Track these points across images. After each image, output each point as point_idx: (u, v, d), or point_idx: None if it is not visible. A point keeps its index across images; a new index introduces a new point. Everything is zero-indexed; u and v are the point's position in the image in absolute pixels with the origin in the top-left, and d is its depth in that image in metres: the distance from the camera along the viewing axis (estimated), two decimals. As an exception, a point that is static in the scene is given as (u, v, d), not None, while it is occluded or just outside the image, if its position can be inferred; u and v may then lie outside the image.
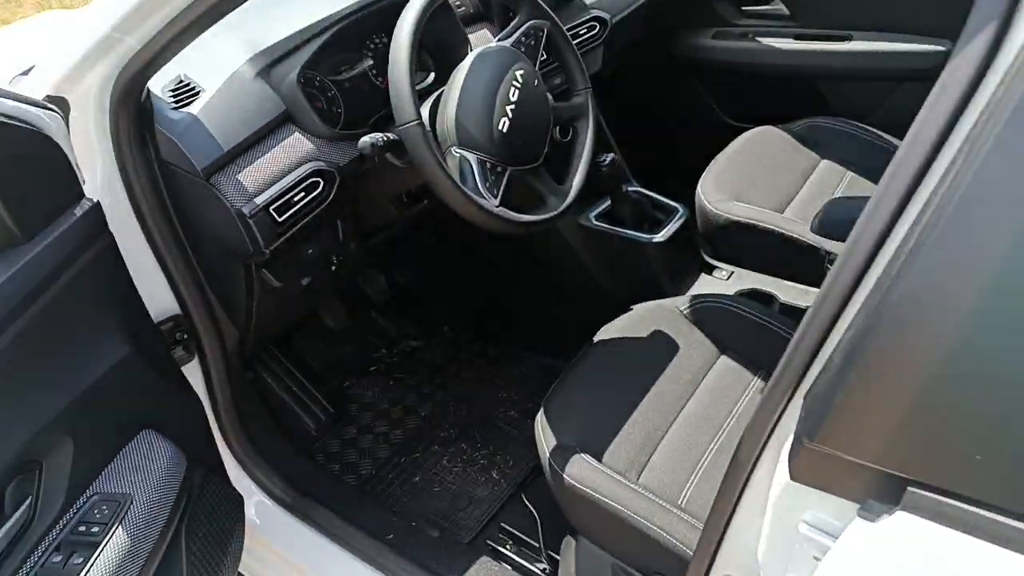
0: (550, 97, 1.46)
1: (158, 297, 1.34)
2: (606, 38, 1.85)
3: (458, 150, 1.24)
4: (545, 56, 1.52)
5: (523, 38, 1.36)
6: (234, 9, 1.05)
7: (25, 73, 1.35)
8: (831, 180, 1.85)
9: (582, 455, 1.27)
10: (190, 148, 1.18)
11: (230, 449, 1.52)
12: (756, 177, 1.83)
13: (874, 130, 1.96)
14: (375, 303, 2.10)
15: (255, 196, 1.22)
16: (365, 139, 1.21)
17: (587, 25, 1.79)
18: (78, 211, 1.06)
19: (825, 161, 1.90)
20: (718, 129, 2.35)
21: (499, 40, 1.35)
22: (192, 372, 1.44)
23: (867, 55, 2.05)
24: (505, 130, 1.26)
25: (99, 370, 1.06)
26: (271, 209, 1.23)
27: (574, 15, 1.77)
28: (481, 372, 2.02)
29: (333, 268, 1.54)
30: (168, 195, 1.28)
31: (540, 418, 1.36)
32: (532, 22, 1.37)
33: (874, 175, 1.87)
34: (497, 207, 1.24)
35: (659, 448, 1.31)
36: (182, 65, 1.28)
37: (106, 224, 1.10)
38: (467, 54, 1.51)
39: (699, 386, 1.40)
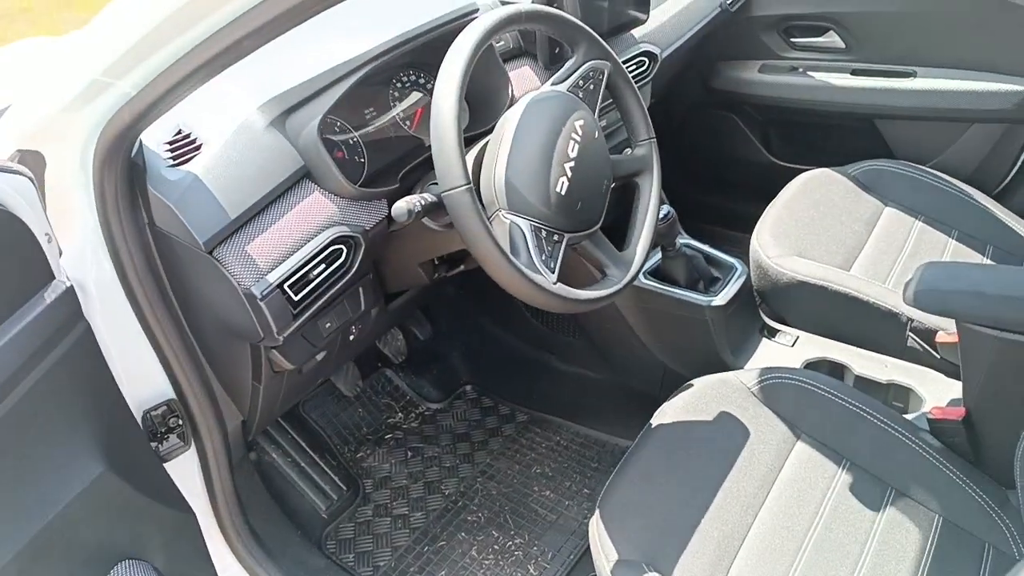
0: None
1: (149, 379, 1.15)
2: (655, 74, 1.66)
3: (508, 215, 1.05)
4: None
5: (581, 82, 1.17)
6: (250, 53, 0.85)
7: (-1, 113, 1.15)
8: (899, 231, 1.67)
9: (651, 574, 1.07)
10: (190, 216, 0.98)
11: (231, 550, 1.31)
12: (817, 227, 1.65)
13: (941, 174, 1.78)
14: (392, 363, 1.90)
15: (267, 272, 1.02)
16: (400, 204, 1.02)
17: (636, 61, 1.60)
18: (46, 298, 0.85)
19: (889, 208, 1.72)
20: (765, 171, 2.17)
21: (553, 84, 1.16)
22: (187, 462, 1.24)
23: (933, 94, 1.88)
24: (564, 192, 1.07)
25: (64, 498, 0.85)
26: (287, 286, 1.03)
27: (623, 50, 1.58)
28: (510, 441, 1.81)
29: (351, 338, 1.34)
30: (163, 265, 1.08)
31: (596, 523, 1.16)
32: (592, 63, 1.18)
33: (946, 224, 1.70)
34: (555, 283, 1.05)
35: (737, 559, 1.12)
36: (181, 113, 1.08)
37: (80, 312, 0.90)
38: (508, 94, 1.33)
39: (776, 479, 1.21)
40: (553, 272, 1.06)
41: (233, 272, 1.00)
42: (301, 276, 1.05)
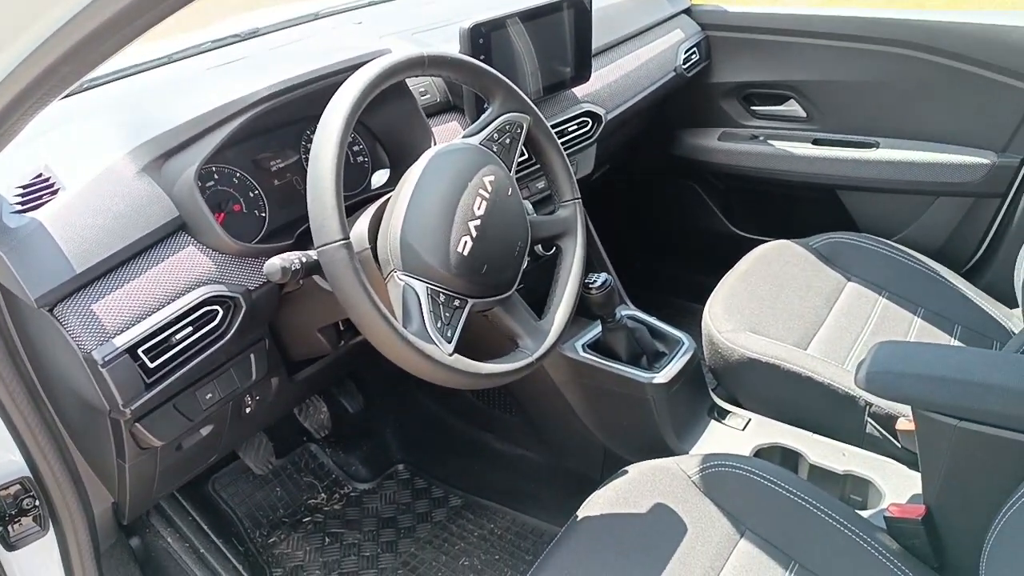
0: (529, 207, 1.16)
1: (1, 453, 1.01)
2: (599, 136, 1.57)
3: (403, 277, 0.94)
4: (526, 155, 1.24)
5: (496, 135, 1.07)
6: (87, 73, 0.72)
7: None
8: (862, 308, 1.56)
9: None
10: (24, 268, 0.86)
11: (92, 651, 1.15)
12: (774, 302, 1.54)
13: (906, 249, 1.69)
14: (315, 437, 1.75)
15: (115, 335, 0.89)
16: (274, 261, 0.90)
17: (578, 121, 1.51)
18: None
19: (852, 284, 1.61)
20: (725, 241, 2.09)
21: (465, 136, 1.06)
22: (43, 549, 1.09)
23: (896, 165, 1.81)
24: (466, 252, 0.96)
25: None
26: (140, 351, 0.90)
27: (563, 109, 1.50)
28: (439, 528, 1.65)
29: (247, 411, 1.21)
30: (15, 324, 0.96)
31: None
32: (508, 115, 1.08)
33: (911, 302, 1.59)
34: (451, 355, 0.92)
35: None
36: (47, 157, 0.97)
37: None
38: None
39: (715, 583, 1.06)
40: (450, 342, 0.93)
41: (73, 333, 0.87)
42: (161, 340, 0.92)
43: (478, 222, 0.98)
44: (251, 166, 1.16)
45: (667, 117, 2.03)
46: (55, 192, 0.94)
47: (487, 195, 1.00)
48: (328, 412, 1.72)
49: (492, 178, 1.01)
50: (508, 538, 1.60)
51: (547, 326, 1.08)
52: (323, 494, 1.72)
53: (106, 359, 0.87)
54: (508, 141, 1.08)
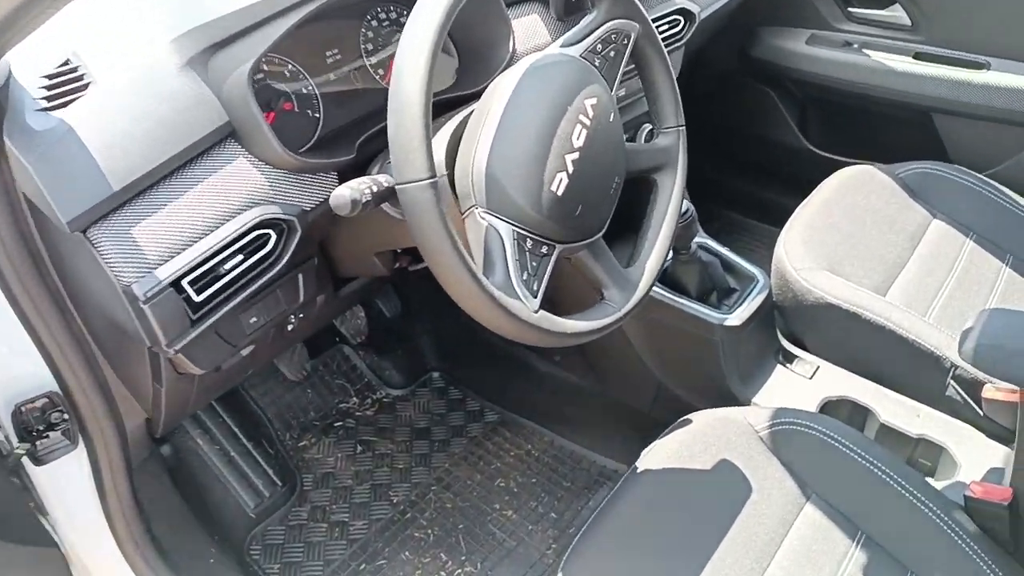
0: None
1: (23, 368, 0.92)
2: (689, 37, 1.39)
3: (485, 215, 0.81)
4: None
5: (599, 46, 0.91)
6: None
7: None
8: (948, 251, 1.44)
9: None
10: (54, 182, 0.73)
11: (129, 564, 1.11)
12: (853, 238, 1.42)
13: (999, 186, 1.54)
14: (350, 343, 1.67)
15: (157, 266, 0.77)
16: (343, 192, 0.76)
17: (669, 20, 1.32)
18: None
19: (937, 221, 1.48)
20: (797, 158, 1.93)
21: (564, 46, 0.90)
22: (73, 463, 1.03)
23: (1005, 91, 1.62)
24: (560, 191, 0.83)
25: None
26: (185, 283, 0.79)
27: (653, 6, 1.30)
28: (475, 445, 1.60)
29: (289, 328, 1.11)
30: (42, 237, 0.84)
31: None
32: (616, 23, 0.91)
33: (1000, 248, 1.46)
34: (536, 312, 0.81)
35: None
36: (75, 41, 0.82)
37: None
38: (508, 49, 1.07)
39: (778, 550, 1.02)
40: (536, 296, 0.82)
41: (110, 262, 0.76)
42: (208, 270, 0.81)
43: (576, 155, 0.84)
44: (304, 57, 1.00)
45: (749, 12, 1.82)
46: (86, 86, 0.79)
47: (588, 122, 0.85)
48: (365, 318, 1.63)
49: (594, 101, 0.86)
50: (545, 460, 1.56)
51: (636, 275, 0.96)
52: (355, 398, 1.66)
53: (147, 295, 0.76)
54: (612, 54, 0.92)
